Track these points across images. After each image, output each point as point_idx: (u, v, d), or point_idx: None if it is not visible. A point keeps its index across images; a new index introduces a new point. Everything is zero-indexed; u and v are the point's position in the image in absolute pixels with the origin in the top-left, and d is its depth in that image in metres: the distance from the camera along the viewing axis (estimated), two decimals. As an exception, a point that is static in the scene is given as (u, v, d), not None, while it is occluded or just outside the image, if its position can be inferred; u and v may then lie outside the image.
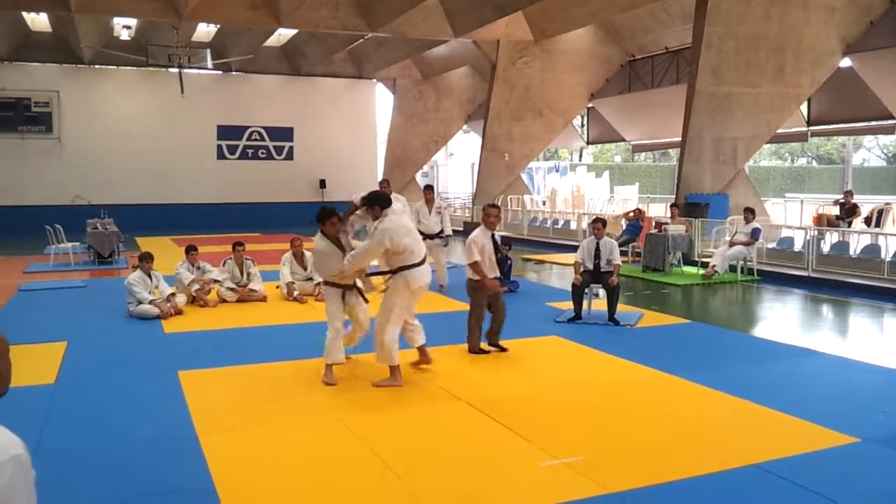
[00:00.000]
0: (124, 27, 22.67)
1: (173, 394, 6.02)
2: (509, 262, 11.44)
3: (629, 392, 6.17)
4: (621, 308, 9.22)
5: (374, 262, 7.05)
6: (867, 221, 15.48)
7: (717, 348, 7.89)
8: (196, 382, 6.36)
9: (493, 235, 7.41)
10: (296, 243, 10.90)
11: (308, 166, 28.36)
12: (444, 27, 21.11)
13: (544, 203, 28.05)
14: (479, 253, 7.27)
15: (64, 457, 4.65)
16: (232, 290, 10.42)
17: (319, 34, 23.66)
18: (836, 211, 15.98)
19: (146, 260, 9.67)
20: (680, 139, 17.17)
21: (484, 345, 7.41)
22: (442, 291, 11.07)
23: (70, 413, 5.59)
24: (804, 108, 19.31)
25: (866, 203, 17.83)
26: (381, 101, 31.49)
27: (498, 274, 7.42)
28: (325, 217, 6.40)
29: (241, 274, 10.60)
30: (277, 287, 10.80)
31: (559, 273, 14.17)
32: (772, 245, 14.38)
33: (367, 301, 6.67)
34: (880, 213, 15.51)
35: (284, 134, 28.44)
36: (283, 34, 24.17)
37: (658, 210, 23.74)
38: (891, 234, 13.53)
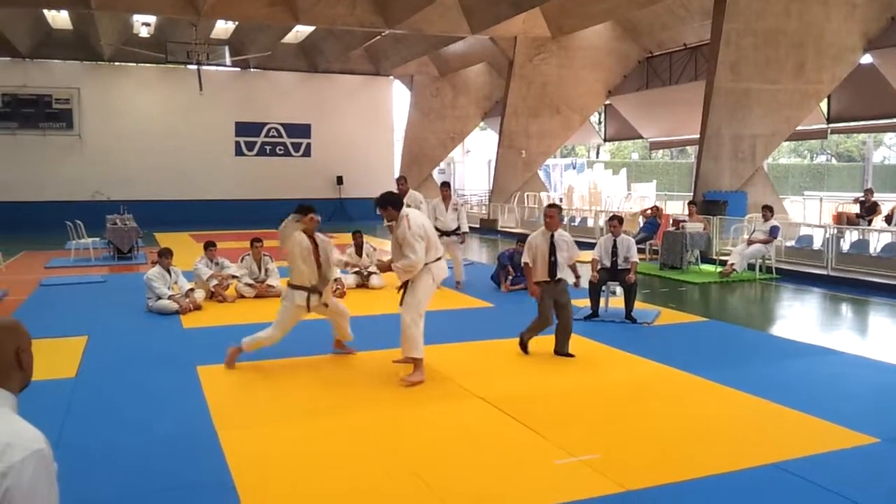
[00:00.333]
0: (144, 24, 22.84)
1: (192, 389, 6.07)
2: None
3: (646, 390, 6.16)
4: (638, 306, 9.19)
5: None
6: (888, 220, 15.32)
7: (735, 347, 7.85)
8: (214, 377, 6.41)
9: (551, 237, 7.17)
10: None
11: (325, 163, 28.45)
12: (462, 24, 21.09)
13: (561, 200, 27.96)
14: (532, 256, 7.19)
15: (84, 451, 4.71)
16: (250, 285, 10.49)
17: (337, 31, 23.71)
18: (855, 209, 15.84)
19: (165, 255, 9.76)
20: (698, 136, 17.06)
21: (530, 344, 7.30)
22: (458, 288, 11.07)
23: (90, 407, 5.65)
24: (824, 104, 19.11)
25: (886, 201, 17.64)
26: (398, 97, 31.58)
27: (546, 277, 7.13)
28: (305, 213, 6.63)
29: (259, 270, 10.67)
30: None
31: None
32: (790, 243, 14.26)
33: (326, 305, 6.77)
34: (901, 211, 15.34)
35: (302, 130, 28.55)
36: (300, 31, 24.24)
37: (676, 208, 23.63)
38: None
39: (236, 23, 22.98)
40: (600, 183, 30.51)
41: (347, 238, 12.29)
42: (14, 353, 1.97)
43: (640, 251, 12.30)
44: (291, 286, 6.70)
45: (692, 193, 17.29)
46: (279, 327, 6.68)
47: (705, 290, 11.91)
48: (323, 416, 5.46)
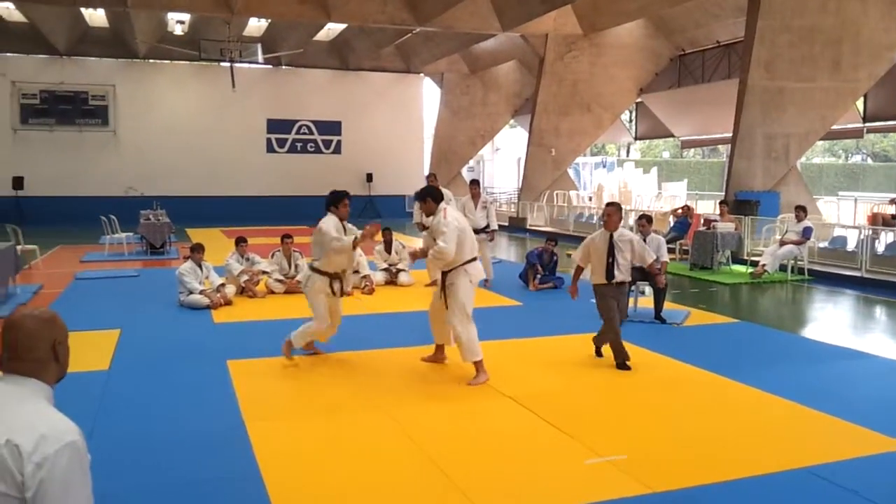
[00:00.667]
0: (178, 22, 23.11)
1: (222, 382, 6.15)
2: (555, 258, 11.43)
3: (675, 391, 6.11)
4: (668, 306, 9.12)
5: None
6: (925, 221, 15.05)
7: (766, 349, 7.75)
8: (244, 372, 6.48)
9: (610, 237, 6.79)
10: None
11: (355, 160, 28.56)
12: (492, 21, 21.06)
13: (590, 199, 27.80)
14: (585, 256, 6.94)
15: (116, 442, 4.79)
16: (280, 281, 10.59)
17: (368, 28, 23.79)
18: (891, 210, 15.56)
19: (197, 251, 9.88)
20: (730, 135, 16.87)
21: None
22: (487, 286, 11.06)
23: (123, 399, 5.74)
24: (860, 103, 18.79)
25: (924, 202, 17.30)
26: (428, 95, 31.57)
27: (604, 280, 6.78)
28: (338, 200, 6.58)
29: (289, 266, 10.76)
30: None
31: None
32: (824, 244, 14.05)
33: (349, 294, 6.74)
34: (939, 212, 15.06)
35: (332, 128, 28.70)
36: (332, 29, 24.35)
37: (707, 207, 23.39)
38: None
39: (269, 20, 23.15)
40: (630, 182, 30.30)
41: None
42: (51, 345, 2.01)
43: (671, 251, 12.19)
44: (314, 269, 6.63)
45: (724, 193, 17.11)
46: (319, 318, 6.64)
47: (736, 291, 11.78)
48: (350, 411, 5.50)
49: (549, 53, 22.82)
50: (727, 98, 18.30)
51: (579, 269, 7.05)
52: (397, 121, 29.27)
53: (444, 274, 6.31)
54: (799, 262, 12.84)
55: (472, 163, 34.95)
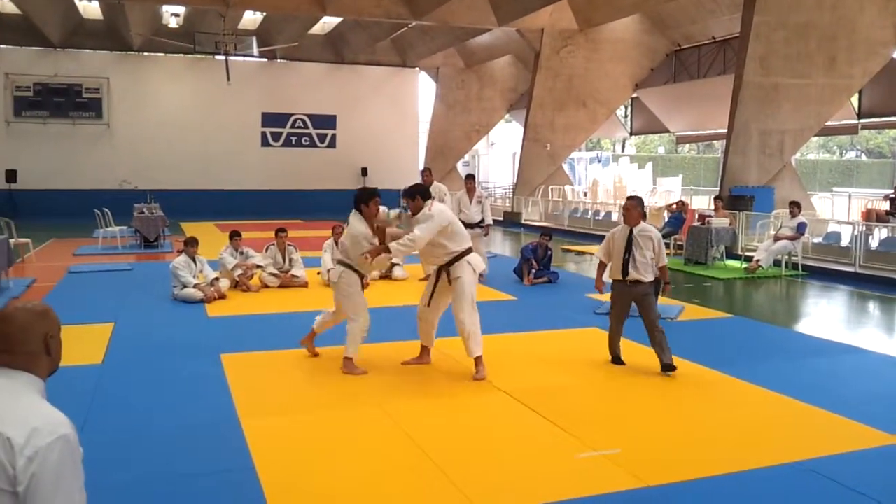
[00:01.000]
0: (173, 15, 23.05)
1: (216, 376, 6.14)
2: (550, 252, 11.44)
3: (668, 386, 6.13)
4: (662, 301, 9.12)
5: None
6: (919, 217, 15.09)
7: (760, 344, 7.77)
8: (238, 366, 6.47)
9: (630, 232, 6.53)
10: (337, 230, 10.97)
11: (350, 154, 28.53)
12: (488, 15, 21.03)
13: (585, 194, 27.83)
14: (607, 252, 6.76)
15: (109, 435, 4.78)
16: (274, 275, 10.57)
17: (363, 22, 23.75)
18: (885, 206, 15.60)
19: (191, 244, 9.85)
20: (725, 131, 16.89)
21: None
22: (481, 280, 11.04)
23: (116, 393, 5.73)
24: (855, 99, 18.83)
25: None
26: (423, 89, 31.53)
27: (619, 276, 6.59)
28: (368, 198, 6.34)
29: (284, 260, 10.74)
30: (319, 273, 10.92)
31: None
32: (818, 240, 14.09)
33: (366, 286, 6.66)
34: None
35: (327, 122, 28.64)
36: (327, 22, 24.33)
37: (701, 202, 23.44)
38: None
39: (264, 13, 23.09)
40: (625, 177, 30.32)
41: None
42: (43, 338, 2.00)
43: (665, 246, 12.19)
44: (346, 265, 6.42)
45: (718, 188, 17.14)
46: (361, 314, 6.43)
47: (730, 286, 11.81)
48: (345, 406, 5.49)
49: (545, 48, 22.80)
50: (722, 94, 18.33)
51: (602, 265, 6.90)
52: (393, 115, 29.22)
53: (444, 269, 6.29)
54: (793, 258, 12.88)
55: (467, 157, 34.92)
